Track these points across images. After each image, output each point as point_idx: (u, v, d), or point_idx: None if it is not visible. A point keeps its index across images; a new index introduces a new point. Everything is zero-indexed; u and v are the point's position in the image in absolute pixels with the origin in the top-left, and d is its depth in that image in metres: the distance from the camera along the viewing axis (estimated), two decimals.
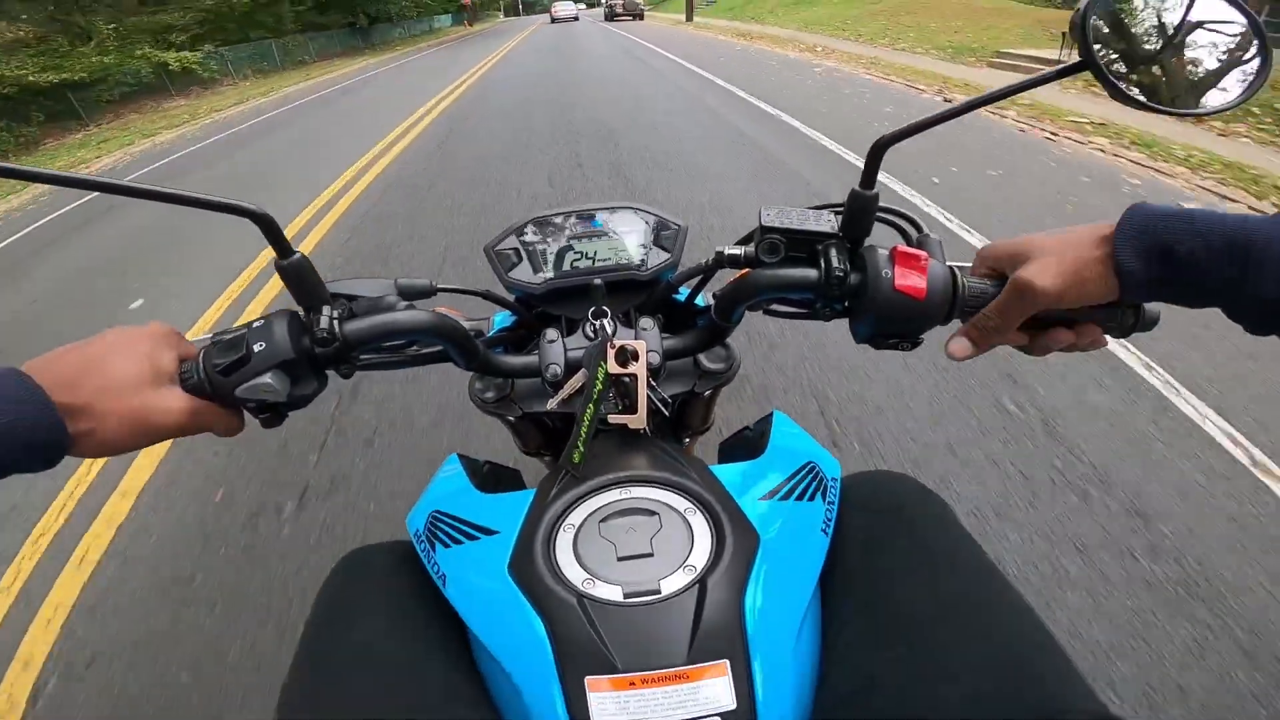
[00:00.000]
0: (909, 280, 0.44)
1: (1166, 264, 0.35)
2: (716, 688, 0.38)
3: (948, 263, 0.46)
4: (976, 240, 2.95)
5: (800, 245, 0.48)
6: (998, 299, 0.43)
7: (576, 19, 35.30)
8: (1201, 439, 1.72)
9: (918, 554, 0.48)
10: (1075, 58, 0.40)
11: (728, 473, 0.52)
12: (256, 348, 0.44)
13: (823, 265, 0.47)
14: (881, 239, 0.47)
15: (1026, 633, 0.41)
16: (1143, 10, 0.41)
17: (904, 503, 0.53)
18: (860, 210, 0.46)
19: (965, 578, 0.46)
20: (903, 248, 0.46)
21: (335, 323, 0.46)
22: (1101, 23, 0.40)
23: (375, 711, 0.41)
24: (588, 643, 0.40)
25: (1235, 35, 0.40)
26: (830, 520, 0.50)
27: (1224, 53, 0.40)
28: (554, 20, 35.49)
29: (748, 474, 0.53)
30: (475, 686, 0.45)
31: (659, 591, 0.42)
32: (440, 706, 0.42)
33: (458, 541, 0.50)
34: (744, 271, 0.51)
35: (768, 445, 0.58)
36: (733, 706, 0.38)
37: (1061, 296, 0.39)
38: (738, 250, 0.50)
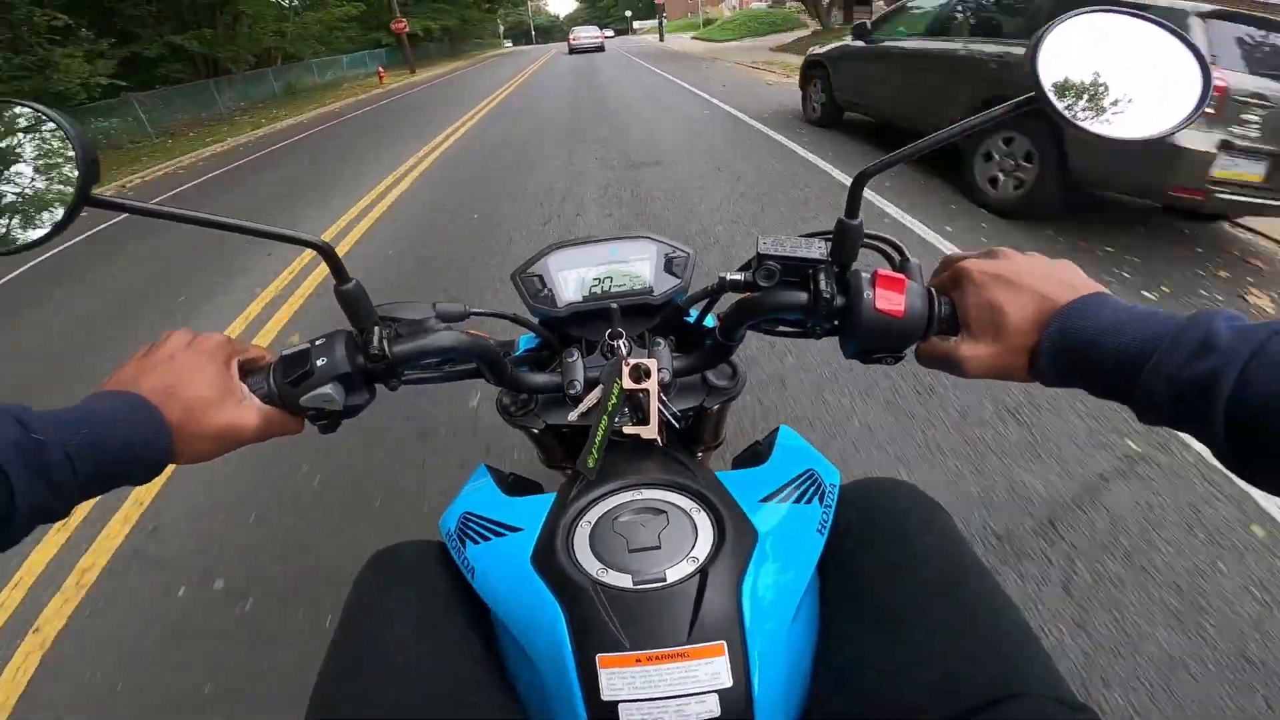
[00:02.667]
0: (888, 302, 0.49)
1: (1074, 374, 0.41)
2: (714, 666, 0.44)
3: (926, 285, 0.51)
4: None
5: (794, 271, 0.53)
6: (943, 353, 0.49)
7: (602, 49, 28.63)
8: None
9: (908, 551, 0.53)
10: None
11: (732, 478, 0.59)
12: (319, 363, 0.51)
13: (812, 289, 0.52)
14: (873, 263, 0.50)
15: (1001, 622, 0.47)
16: (1086, 45, 0.44)
17: (900, 506, 0.58)
18: (846, 238, 0.51)
19: (949, 573, 0.51)
20: (884, 272, 0.51)
21: (385, 343, 0.52)
22: (1050, 58, 0.44)
23: (409, 702, 0.46)
24: (600, 624, 0.45)
25: (1178, 63, 0.44)
26: (826, 522, 0.56)
27: (1167, 77, 0.44)
28: (572, 50, 29.07)
29: (751, 479, 0.59)
30: (498, 676, 0.51)
31: (665, 579, 0.48)
32: (468, 697, 0.48)
33: (486, 538, 0.57)
34: (744, 295, 0.55)
35: (771, 455, 0.64)
36: (729, 684, 0.43)
37: (981, 378, 0.47)
38: (739, 276, 0.55)
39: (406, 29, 23.52)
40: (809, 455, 0.64)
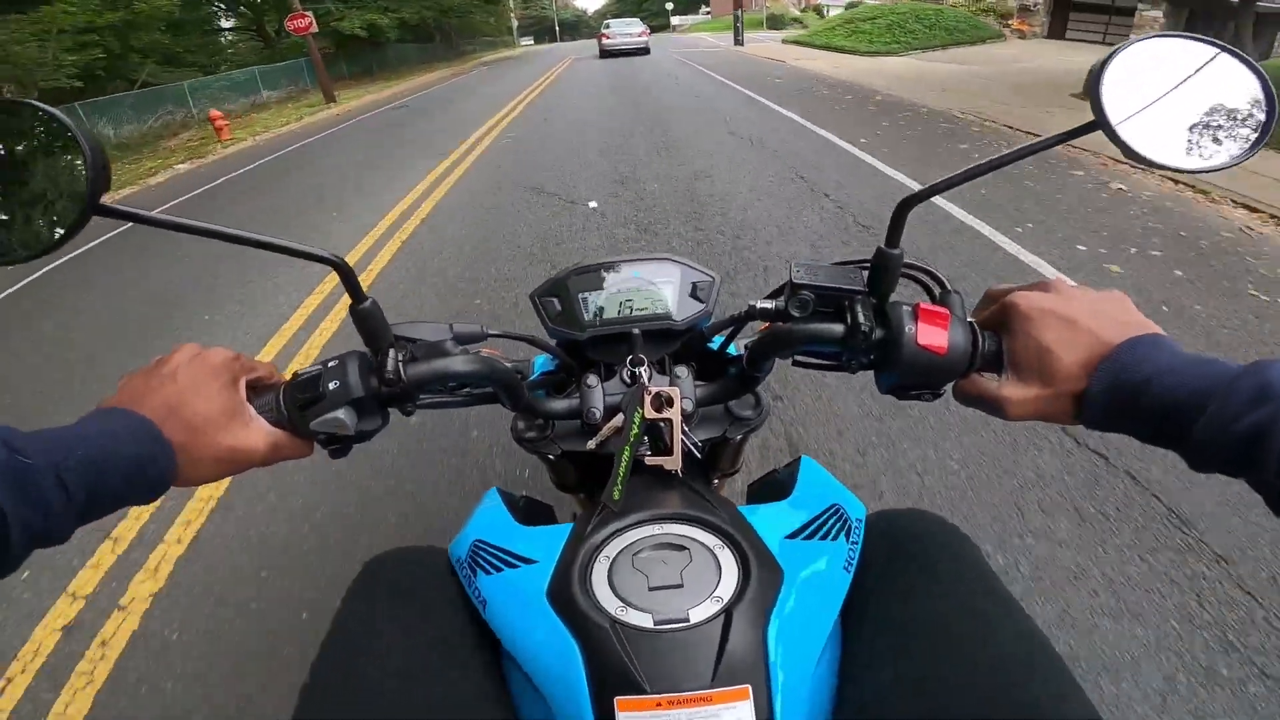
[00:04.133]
0: (931, 337, 0.49)
1: (1123, 419, 0.43)
2: (739, 711, 0.44)
3: (969, 319, 0.53)
4: None
5: (828, 301, 0.55)
6: (984, 393, 0.50)
7: (646, 50, 21.37)
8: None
9: (934, 586, 0.55)
10: None
11: (756, 513, 0.61)
12: (330, 386, 0.52)
13: (849, 321, 0.53)
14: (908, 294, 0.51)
15: (1032, 657, 0.48)
16: (1152, 71, 0.45)
17: (927, 538, 0.60)
18: (885, 268, 0.52)
19: (977, 607, 0.53)
20: (926, 305, 0.52)
21: (400, 365, 0.53)
22: (1113, 84, 0.45)
23: (396, 716, 0.48)
24: (619, 665, 0.46)
25: (1243, 90, 0.45)
26: (853, 559, 0.58)
27: (1232, 107, 0.45)
28: (604, 53, 21.88)
29: (775, 514, 0.61)
30: (497, 694, 0.53)
31: (687, 620, 0.48)
32: (463, 713, 0.49)
33: (498, 569, 0.58)
34: (775, 324, 0.59)
35: (795, 488, 0.67)
36: None
37: (1023, 420, 0.48)
38: (769, 304, 0.57)
39: (313, 28, 12.66)
40: (833, 488, 0.66)
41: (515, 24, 54.55)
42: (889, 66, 12.49)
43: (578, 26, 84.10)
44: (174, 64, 17.09)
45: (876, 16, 17.80)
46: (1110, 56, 0.44)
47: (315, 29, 14.82)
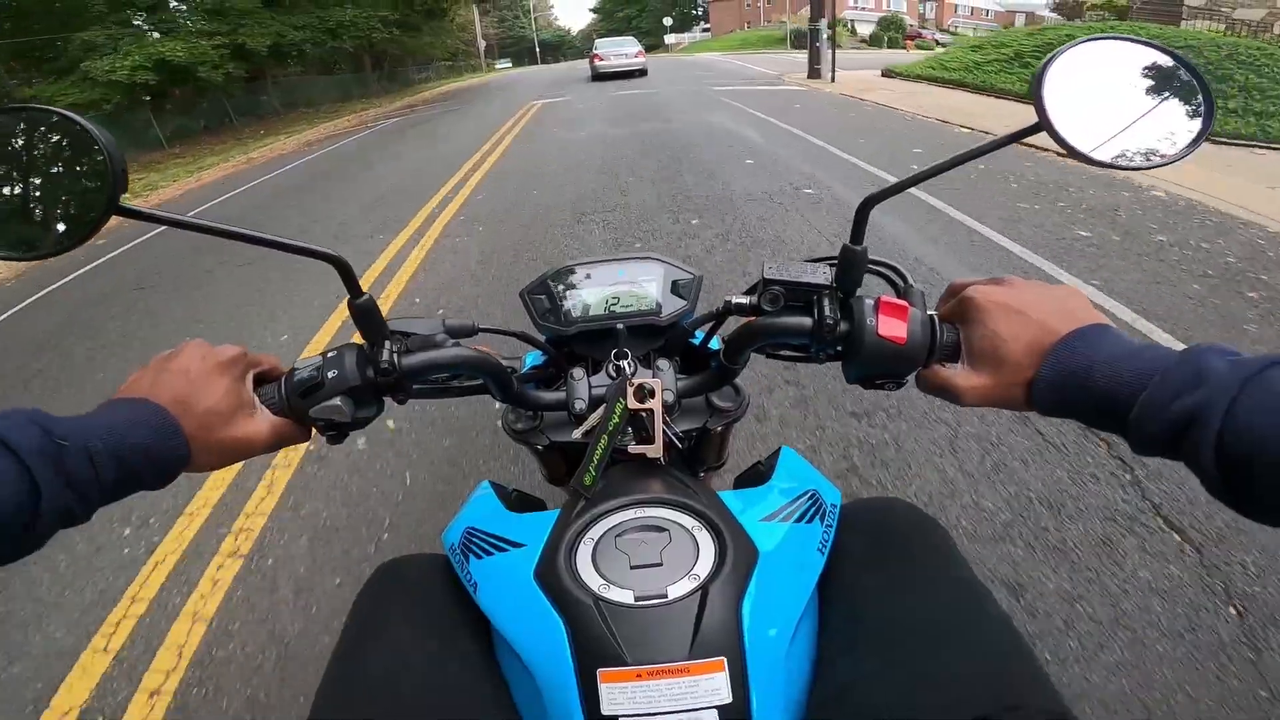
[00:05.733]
0: (891, 329, 0.55)
1: (1070, 405, 0.48)
2: (714, 682, 0.48)
3: (929, 312, 0.60)
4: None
5: (799, 295, 0.61)
6: (943, 381, 0.56)
7: (644, 71, 20.57)
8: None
9: (907, 572, 0.61)
10: None
11: (734, 497, 0.69)
12: (330, 375, 0.59)
13: (816, 314, 0.59)
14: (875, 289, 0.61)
15: (998, 638, 0.54)
16: (1095, 72, 0.48)
17: (899, 525, 0.68)
18: (851, 264, 0.58)
19: (947, 591, 0.58)
20: (887, 298, 0.59)
21: (395, 356, 0.60)
22: (1057, 86, 0.47)
23: (405, 712, 0.53)
24: (602, 639, 0.51)
25: (1182, 88, 0.48)
26: (827, 542, 0.65)
27: (1172, 105, 0.47)
28: (598, 74, 20.85)
29: (752, 499, 0.69)
30: (498, 690, 0.58)
31: (666, 596, 0.53)
32: (466, 708, 0.54)
33: (489, 553, 0.65)
34: (749, 319, 0.66)
35: (773, 475, 0.77)
36: (729, 700, 0.48)
37: (979, 406, 0.54)
38: (744, 299, 0.64)
39: None
40: (810, 476, 0.74)
41: (483, 45, 47.31)
42: None
43: (560, 48, 78.09)
44: None
45: None
46: (1051, 59, 0.47)
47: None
